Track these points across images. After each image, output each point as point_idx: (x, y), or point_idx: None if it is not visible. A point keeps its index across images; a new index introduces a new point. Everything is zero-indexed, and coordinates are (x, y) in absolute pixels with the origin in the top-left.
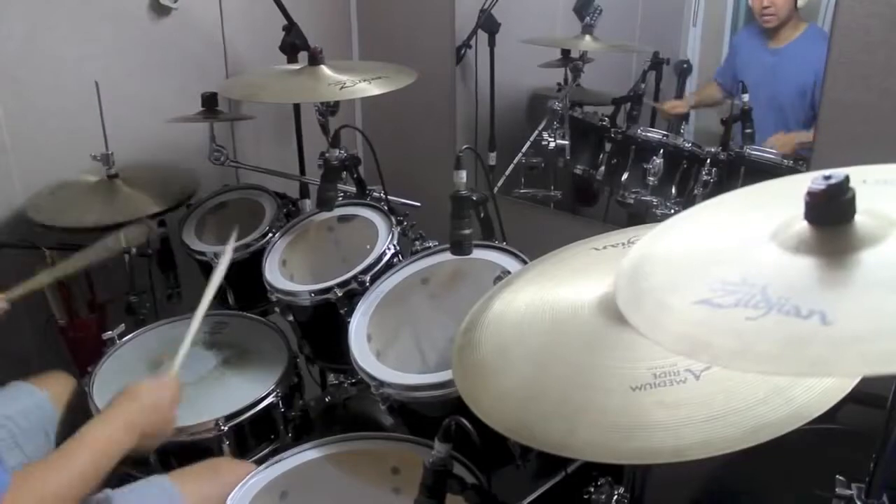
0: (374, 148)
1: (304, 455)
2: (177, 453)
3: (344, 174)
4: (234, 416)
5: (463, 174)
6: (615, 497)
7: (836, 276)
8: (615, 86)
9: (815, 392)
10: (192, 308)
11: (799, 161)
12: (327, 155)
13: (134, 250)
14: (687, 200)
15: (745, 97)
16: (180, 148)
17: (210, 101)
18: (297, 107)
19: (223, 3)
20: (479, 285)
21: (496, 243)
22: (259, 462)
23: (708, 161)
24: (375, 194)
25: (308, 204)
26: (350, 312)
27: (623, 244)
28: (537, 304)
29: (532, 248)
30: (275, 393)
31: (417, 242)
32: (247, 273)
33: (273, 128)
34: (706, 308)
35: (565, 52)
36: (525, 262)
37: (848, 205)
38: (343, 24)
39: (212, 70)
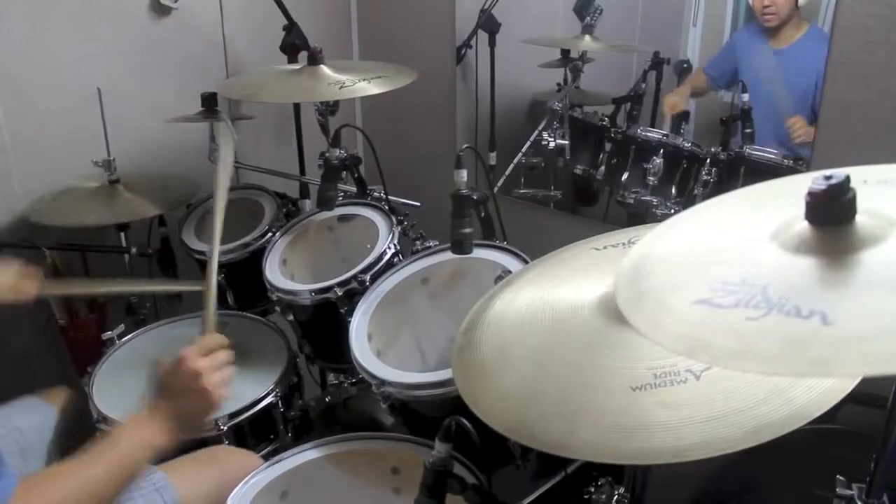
0: (374, 147)
1: (304, 455)
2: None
3: (344, 174)
4: (234, 416)
5: (463, 173)
6: (615, 497)
7: (837, 276)
8: (615, 86)
9: (816, 392)
10: (192, 308)
11: (799, 161)
12: (327, 154)
13: (134, 250)
14: (687, 200)
15: (746, 97)
16: (180, 148)
17: (210, 100)
18: (297, 107)
19: (223, 2)
20: (480, 285)
21: (496, 243)
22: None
23: (708, 161)
24: (376, 194)
25: (308, 204)
26: (350, 312)
27: (623, 244)
28: (537, 304)
29: (532, 248)
30: (275, 393)
31: (418, 242)
32: (247, 273)
33: (273, 128)
34: (706, 308)
35: (565, 52)
36: (525, 262)
37: (849, 205)
38: (343, 23)
39: (212, 70)
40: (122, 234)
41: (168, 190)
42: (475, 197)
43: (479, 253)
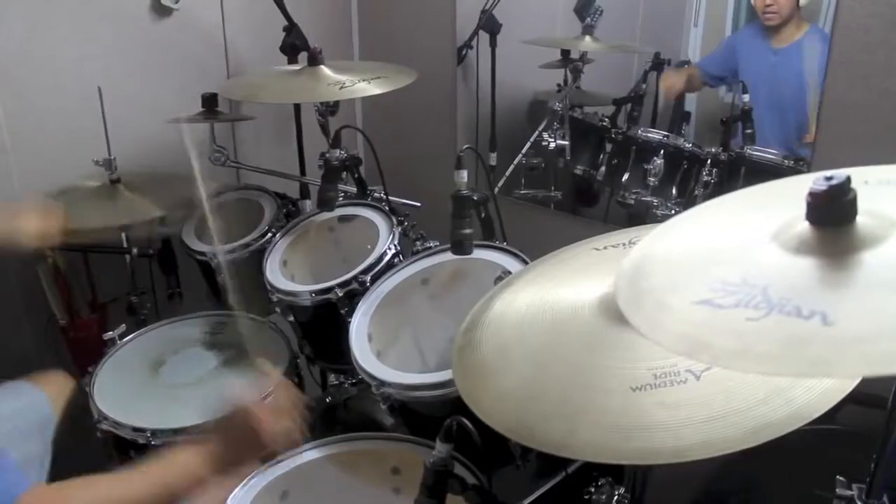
0: (374, 148)
1: (305, 455)
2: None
3: (344, 174)
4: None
5: (464, 174)
6: (615, 497)
7: (838, 276)
8: (616, 86)
9: (816, 392)
10: (193, 308)
11: (800, 161)
12: (328, 155)
13: (135, 250)
14: (687, 201)
15: (746, 97)
16: (181, 148)
17: (210, 101)
18: (297, 107)
19: (224, 3)
20: (480, 285)
21: (497, 243)
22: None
23: (708, 161)
24: (376, 194)
25: (308, 204)
26: (351, 312)
27: (624, 244)
28: (538, 305)
29: (532, 249)
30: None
31: (418, 242)
32: (247, 273)
33: (273, 128)
34: (707, 308)
35: (565, 53)
36: (525, 262)
37: (849, 205)
38: (344, 24)
39: (212, 71)
40: (124, 235)
41: (169, 190)
42: (475, 197)
43: (479, 254)
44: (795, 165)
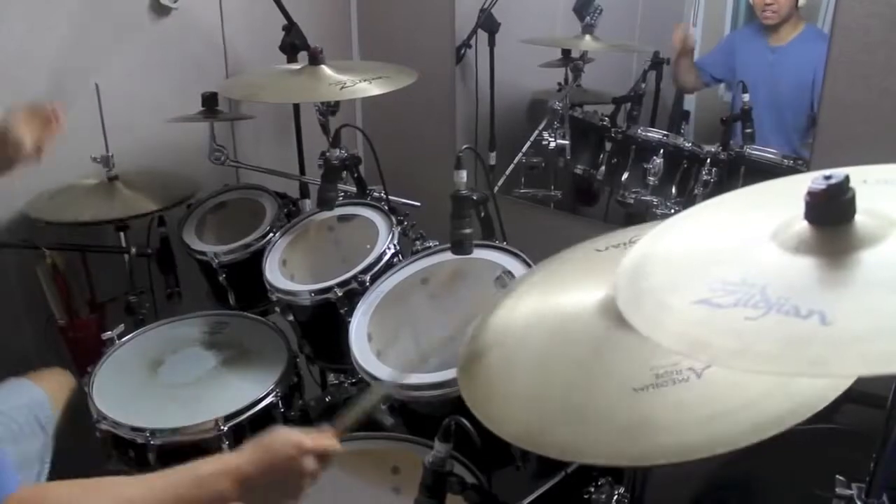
0: (374, 148)
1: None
2: (176, 453)
3: (344, 174)
4: (234, 416)
5: (463, 174)
6: (615, 497)
7: (836, 276)
8: (615, 85)
9: (818, 386)
10: (192, 308)
11: (799, 161)
12: (327, 155)
13: (133, 250)
14: (687, 200)
15: (746, 97)
16: (180, 148)
17: (210, 100)
18: (297, 107)
19: (223, 3)
20: (480, 285)
21: (496, 243)
22: None
23: (708, 161)
24: (376, 194)
25: (308, 204)
26: (350, 312)
27: (625, 244)
28: (541, 309)
29: (532, 248)
30: (275, 393)
31: (418, 242)
32: (247, 273)
33: (273, 128)
34: (706, 308)
35: (565, 52)
36: (525, 262)
37: (848, 205)
38: (343, 24)
39: (212, 70)
40: (122, 235)
41: (167, 187)
42: (475, 197)
43: (478, 253)
44: (795, 165)
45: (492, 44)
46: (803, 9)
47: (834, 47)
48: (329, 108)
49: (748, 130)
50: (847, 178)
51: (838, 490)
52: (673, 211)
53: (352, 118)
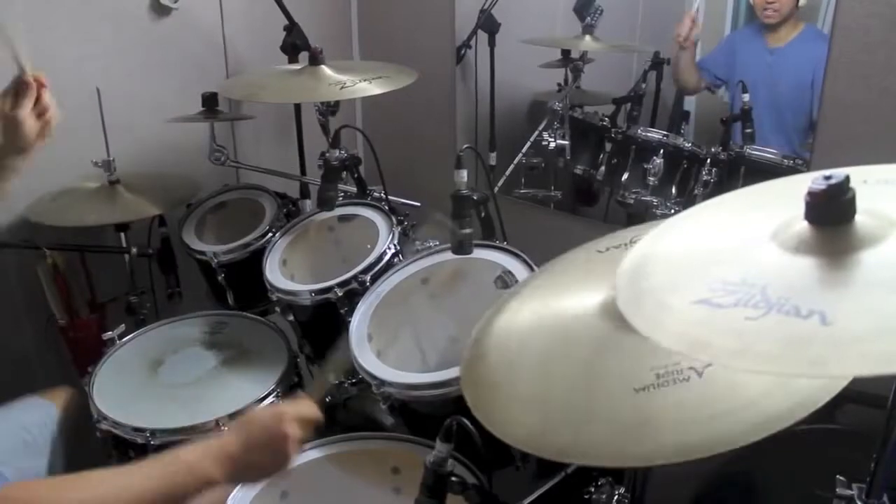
0: (374, 148)
1: (305, 455)
2: None
3: (344, 174)
4: (235, 416)
5: (463, 174)
6: (615, 497)
7: (836, 276)
8: (616, 86)
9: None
10: (193, 308)
11: (799, 161)
12: (327, 155)
13: (134, 250)
14: (687, 200)
15: (746, 97)
16: (180, 148)
17: (210, 101)
18: (297, 107)
19: (224, 3)
20: (480, 285)
21: (497, 243)
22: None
23: (708, 161)
24: (376, 194)
25: (308, 204)
26: (350, 312)
27: (626, 244)
28: (542, 315)
29: (532, 248)
30: (275, 393)
31: (418, 242)
32: (247, 273)
33: (273, 128)
34: (706, 308)
35: (565, 53)
36: (525, 262)
37: (848, 205)
38: (343, 24)
39: (212, 70)
40: (122, 235)
41: (168, 190)
42: (475, 197)
43: (479, 253)
44: (795, 165)
45: (492, 44)
46: (803, 9)
47: (834, 47)
48: (329, 109)
49: (748, 131)
50: (847, 179)
51: (839, 490)
52: (673, 211)
53: (352, 119)
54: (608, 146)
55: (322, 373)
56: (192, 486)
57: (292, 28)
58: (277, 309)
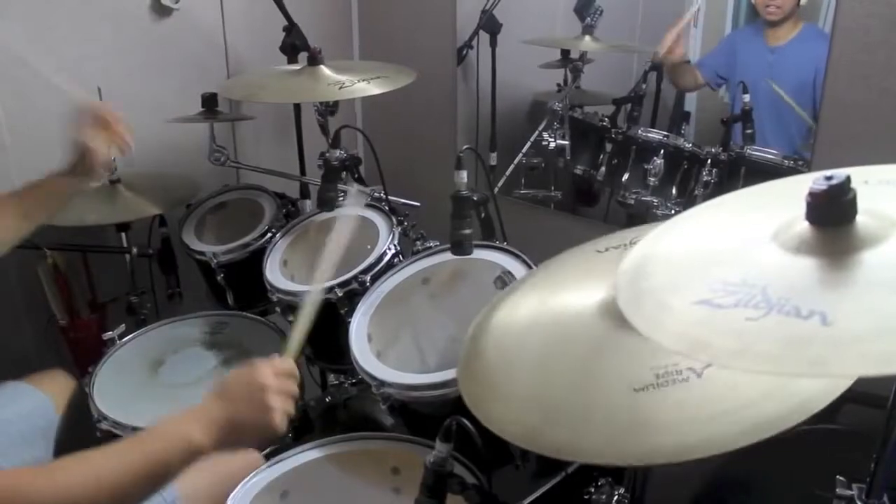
0: (374, 148)
1: (305, 455)
2: None
3: (344, 174)
4: None
5: (464, 174)
6: (615, 497)
7: (837, 276)
8: (616, 86)
9: (819, 385)
10: (193, 308)
11: (800, 161)
12: (327, 155)
13: (135, 250)
14: (687, 201)
15: (746, 97)
16: (180, 148)
17: (210, 101)
18: (297, 107)
19: (224, 3)
20: (480, 285)
21: (497, 243)
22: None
23: (708, 161)
24: (376, 194)
25: (308, 204)
26: (350, 312)
27: (625, 245)
28: (541, 310)
29: (532, 249)
30: None
31: (418, 242)
32: (246, 273)
33: (273, 128)
34: (706, 308)
35: (565, 53)
36: (525, 263)
37: (849, 205)
38: (344, 24)
39: (212, 70)
40: (123, 235)
41: (168, 190)
42: (475, 198)
43: (479, 254)
44: (795, 165)
45: (493, 45)
46: (803, 9)
47: (834, 47)
48: (328, 109)
49: (748, 131)
50: (848, 179)
51: (839, 490)
52: (673, 212)
53: (352, 119)
54: (608, 146)
55: (293, 327)
56: (178, 456)
57: (292, 29)
58: (277, 309)
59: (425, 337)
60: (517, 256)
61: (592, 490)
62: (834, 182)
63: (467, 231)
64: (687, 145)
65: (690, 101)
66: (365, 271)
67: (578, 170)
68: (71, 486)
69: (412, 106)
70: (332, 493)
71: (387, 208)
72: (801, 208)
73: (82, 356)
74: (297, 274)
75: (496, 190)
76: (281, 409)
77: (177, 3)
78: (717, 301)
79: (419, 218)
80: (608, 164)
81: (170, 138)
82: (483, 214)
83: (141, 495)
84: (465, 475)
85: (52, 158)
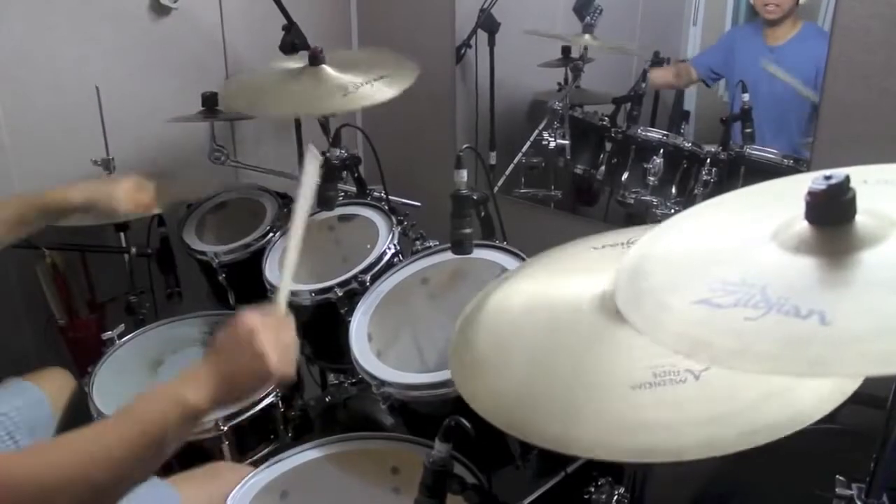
0: (374, 147)
1: (304, 455)
2: (176, 454)
3: (344, 174)
4: (234, 416)
5: (463, 173)
6: (615, 497)
7: (836, 276)
8: (616, 85)
9: (817, 394)
10: (192, 308)
11: (799, 161)
12: (328, 154)
13: (133, 250)
14: (687, 200)
15: (745, 97)
16: (180, 148)
17: (210, 100)
18: None
19: (223, 2)
20: (480, 285)
21: (496, 243)
22: (259, 462)
23: (708, 161)
24: (376, 194)
25: None
26: (350, 312)
27: (622, 244)
28: (535, 302)
29: (532, 248)
30: (275, 393)
31: (418, 242)
32: (248, 273)
33: (273, 127)
34: (706, 308)
35: (565, 52)
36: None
37: (848, 205)
38: (343, 23)
39: (212, 70)
40: (122, 235)
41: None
42: (475, 197)
43: (479, 253)
44: (795, 165)
45: (492, 44)
46: (803, 8)
47: (834, 47)
48: None
49: (748, 130)
50: (847, 179)
51: (838, 490)
52: (673, 211)
53: (352, 118)
54: (608, 146)
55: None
56: (174, 420)
57: (291, 27)
58: None
59: (425, 336)
60: (517, 256)
61: (592, 490)
62: (833, 181)
63: (467, 230)
64: (686, 145)
65: (690, 101)
66: (365, 271)
67: (578, 169)
68: (62, 464)
69: (412, 105)
70: (332, 493)
71: (386, 208)
72: (801, 208)
73: (81, 356)
74: (297, 273)
75: (496, 189)
76: (274, 352)
77: (175, 2)
78: (717, 301)
79: (419, 217)
80: (608, 163)
81: (170, 138)
82: (483, 214)
83: (141, 468)
84: (464, 475)
85: (52, 158)
